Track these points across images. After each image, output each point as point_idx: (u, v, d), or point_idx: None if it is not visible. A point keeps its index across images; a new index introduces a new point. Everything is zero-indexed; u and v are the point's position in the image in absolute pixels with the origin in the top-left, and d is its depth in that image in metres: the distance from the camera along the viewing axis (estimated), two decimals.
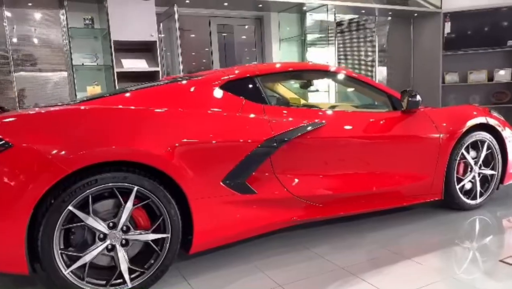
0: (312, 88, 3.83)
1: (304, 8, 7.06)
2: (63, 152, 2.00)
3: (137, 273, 2.23)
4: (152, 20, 5.70)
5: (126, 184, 2.15)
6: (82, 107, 2.24)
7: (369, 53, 8.27)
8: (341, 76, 3.21)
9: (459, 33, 7.83)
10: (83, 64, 5.62)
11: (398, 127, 3.06)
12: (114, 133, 2.15)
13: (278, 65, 3.07)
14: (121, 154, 2.11)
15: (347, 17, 8.09)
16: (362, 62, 8.28)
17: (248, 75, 2.82)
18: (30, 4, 5.73)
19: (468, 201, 3.39)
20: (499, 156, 3.50)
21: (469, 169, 3.40)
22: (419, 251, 2.68)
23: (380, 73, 8.67)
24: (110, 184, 2.12)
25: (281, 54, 7.44)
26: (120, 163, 2.16)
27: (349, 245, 2.84)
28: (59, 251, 2.05)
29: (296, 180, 2.71)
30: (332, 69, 3.15)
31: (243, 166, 2.47)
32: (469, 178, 3.38)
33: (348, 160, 2.89)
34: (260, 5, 6.79)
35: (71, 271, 2.08)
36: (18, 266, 1.99)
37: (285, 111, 2.79)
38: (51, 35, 5.74)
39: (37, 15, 5.75)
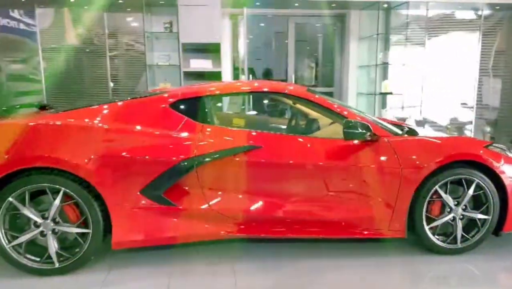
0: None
1: (385, 5, 6.61)
2: (6, 157, 2.62)
3: (63, 258, 2.77)
4: (217, 23, 6.15)
5: (54, 185, 2.68)
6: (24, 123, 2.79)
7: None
8: (300, 99, 3.14)
9: None
10: (157, 63, 6.44)
11: (345, 156, 2.90)
12: (43, 144, 2.68)
13: (232, 86, 3.19)
14: (44, 161, 2.64)
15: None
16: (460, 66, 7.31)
17: (196, 95, 3.05)
18: (128, 9, 6.78)
19: (443, 244, 3.01)
20: (495, 199, 2.98)
21: (447, 210, 3.00)
22: None
23: (491, 80, 7.51)
24: (42, 184, 2.67)
25: (360, 52, 7.15)
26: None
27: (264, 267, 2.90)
28: (3, 230, 2.70)
29: (221, 198, 2.87)
30: (288, 91, 3.11)
31: (159, 180, 2.76)
32: (445, 219, 2.99)
33: (282, 184, 2.90)
34: (334, 5, 6.62)
35: (12, 247, 2.71)
36: None
37: (224, 132, 2.94)
38: (137, 37, 6.71)
39: (131, 19, 6.77)
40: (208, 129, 2.92)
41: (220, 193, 2.88)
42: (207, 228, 2.89)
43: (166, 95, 3.08)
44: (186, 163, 2.77)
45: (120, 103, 3.04)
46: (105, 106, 3.02)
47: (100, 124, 2.81)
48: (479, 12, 6.99)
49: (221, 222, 2.90)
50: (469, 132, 7.29)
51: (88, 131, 2.78)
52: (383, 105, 7.16)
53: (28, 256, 2.76)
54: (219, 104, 3.76)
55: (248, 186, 2.88)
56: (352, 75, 7.20)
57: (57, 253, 2.75)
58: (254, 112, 5.81)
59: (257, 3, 6.47)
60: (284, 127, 3.98)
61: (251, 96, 5.50)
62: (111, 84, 6.76)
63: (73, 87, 6.80)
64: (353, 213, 2.95)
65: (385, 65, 6.88)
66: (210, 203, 2.86)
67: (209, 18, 6.10)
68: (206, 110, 3.02)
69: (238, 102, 5.76)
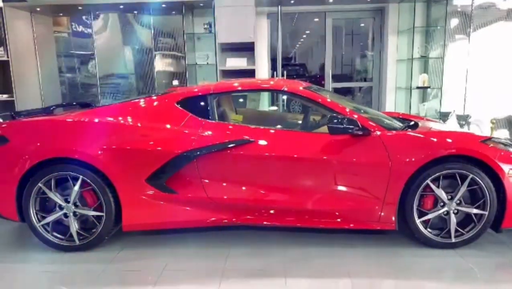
0: None
1: None
2: (33, 150, 3.09)
3: (83, 237, 3.19)
4: (251, 23, 6.39)
5: (74, 173, 3.11)
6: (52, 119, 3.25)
7: None
8: (297, 96, 3.29)
9: None
10: (196, 63, 6.83)
11: (334, 150, 3.02)
12: (66, 137, 3.11)
13: (235, 84, 3.42)
14: (61, 152, 3.07)
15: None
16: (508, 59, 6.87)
17: (200, 94, 3.33)
18: (173, 12, 7.24)
19: (435, 238, 3.02)
20: (492, 195, 2.92)
21: (440, 204, 3.00)
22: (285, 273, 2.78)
23: None
24: (64, 172, 3.11)
25: (399, 46, 7.01)
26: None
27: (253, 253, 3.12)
28: (34, 211, 3.18)
29: (218, 188, 3.13)
30: (287, 89, 3.27)
31: (161, 170, 3.08)
32: (438, 213, 2.99)
33: (273, 176, 3.09)
34: None
35: (41, 225, 3.19)
36: (11, 215, 3.21)
37: (222, 127, 3.20)
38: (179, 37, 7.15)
39: (175, 21, 7.22)
40: (209, 125, 3.19)
41: (217, 183, 3.14)
42: (206, 215, 3.17)
43: (173, 94, 3.40)
44: (185, 155, 3.06)
45: (133, 101, 3.41)
46: (120, 104, 3.41)
47: (112, 120, 3.20)
48: None
49: (218, 210, 3.16)
50: None
51: (102, 126, 3.17)
52: (423, 99, 6.97)
53: (55, 233, 3.22)
54: (241, 100, 4.00)
55: (242, 178, 3.12)
56: (391, 70, 7.08)
57: (77, 232, 3.18)
58: (274, 108, 5.99)
59: (292, 1, 6.60)
60: (297, 122, 4.14)
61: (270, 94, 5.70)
62: (176, 82, 7.26)
63: (124, 84, 7.49)
64: (343, 204, 3.06)
65: (424, 58, 6.69)
66: (208, 192, 3.12)
67: (243, 18, 6.35)
68: (208, 107, 3.28)
69: (257, 99, 5.98)
